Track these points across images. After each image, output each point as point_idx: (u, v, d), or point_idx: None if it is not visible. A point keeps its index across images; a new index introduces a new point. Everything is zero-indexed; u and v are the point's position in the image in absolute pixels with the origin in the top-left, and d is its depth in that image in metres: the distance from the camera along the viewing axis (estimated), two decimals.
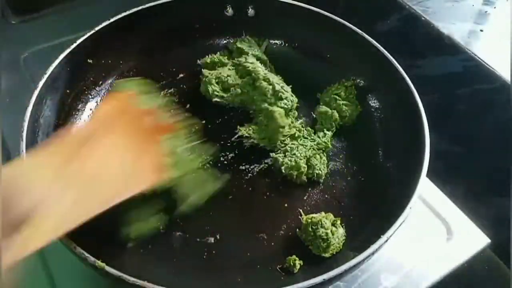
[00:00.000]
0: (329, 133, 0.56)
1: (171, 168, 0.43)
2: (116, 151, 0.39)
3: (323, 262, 0.45)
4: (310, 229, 0.46)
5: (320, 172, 0.52)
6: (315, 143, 0.55)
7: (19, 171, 0.31)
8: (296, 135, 0.55)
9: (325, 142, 0.55)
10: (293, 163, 0.52)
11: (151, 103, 0.45)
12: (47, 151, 0.35)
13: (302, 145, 0.54)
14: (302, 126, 0.57)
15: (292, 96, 0.57)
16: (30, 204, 0.24)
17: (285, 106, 0.55)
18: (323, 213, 0.48)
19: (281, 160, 0.53)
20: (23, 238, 0.26)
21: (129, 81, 0.51)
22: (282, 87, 0.56)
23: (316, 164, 0.53)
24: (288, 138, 0.55)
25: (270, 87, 0.55)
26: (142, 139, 0.42)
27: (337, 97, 0.59)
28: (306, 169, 0.52)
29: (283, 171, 0.52)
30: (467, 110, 0.62)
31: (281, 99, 0.55)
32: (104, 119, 0.41)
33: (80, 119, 0.56)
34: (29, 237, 0.27)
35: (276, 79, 0.57)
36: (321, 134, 0.56)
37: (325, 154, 0.55)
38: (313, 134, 0.56)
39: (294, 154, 0.53)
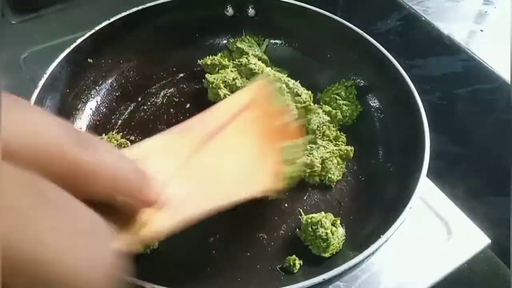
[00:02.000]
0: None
1: (286, 178, 0.41)
2: (241, 151, 0.38)
3: (323, 262, 0.45)
4: (310, 229, 0.46)
5: (332, 176, 0.52)
6: (338, 148, 0.54)
7: (146, 154, 0.29)
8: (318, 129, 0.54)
9: (347, 151, 0.54)
10: (308, 161, 0.52)
11: (283, 104, 0.43)
12: (177, 137, 0.34)
13: (323, 146, 0.54)
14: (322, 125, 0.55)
15: (305, 90, 0.56)
16: (162, 186, 0.22)
17: (304, 101, 0.54)
18: (323, 213, 0.47)
19: None
20: (139, 226, 0.24)
21: (271, 76, 0.51)
22: (293, 83, 0.56)
23: (331, 168, 0.52)
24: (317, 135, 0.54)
25: (284, 85, 0.54)
26: (267, 141, 0.40)
27: (337, 97, 0.59)
28: (320, 169, 0.52)
29: None
30: (467, 110, 0.62)
31: (298, 95, 0.54)
32: (237, 114, 0.39)
33: (80, 119, 0.56)
34: (145, 226, 0.25)
35: (284, 77, 0.57)
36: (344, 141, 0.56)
37: (344, 162, 0.54)
38: (339, 140, 0.55)
39: (312, 153, 0.53)
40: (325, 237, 0.44)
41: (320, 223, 0.45)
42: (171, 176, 0.29)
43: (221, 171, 0.35)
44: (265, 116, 0.40)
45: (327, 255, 0.45)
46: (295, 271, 0.45)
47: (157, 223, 0.26)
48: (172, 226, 0.27)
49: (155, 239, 0.27)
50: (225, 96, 0.57)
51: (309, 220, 0.46)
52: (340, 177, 0.53)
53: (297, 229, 0.48)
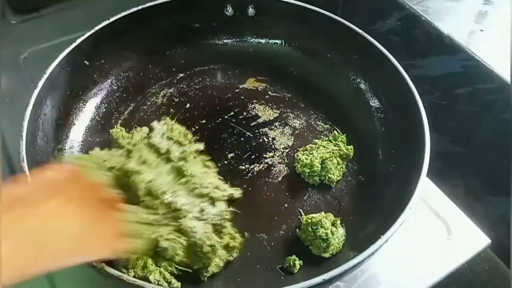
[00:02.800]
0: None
1: (132, 239, 0.39)
2: (61, 216, 0.35)
3: (323, 262, 0.45)
4: (310, 229, 0.46)
5: (332, 176, 0.52)
6: (338, 148, 0.54)
7: None
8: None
9: (347, 150, 0.54)
10: (308, 161, 0.52)
11: (103, 178, 0.41)
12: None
13: (323, 146, 0.54)
14: None
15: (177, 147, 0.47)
16: None
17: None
18: (323, 213, 0.47)
19: (299, 156, 0.53)
20: None
21: (80, 157, 0.49)
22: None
23: (330, 168, 0.52)
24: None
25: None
26: (94, 208, 0.38)
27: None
28: (319, 169, 0.52)
29: (298, 169, 0.53)
30: (467, 110, 0.62)
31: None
32: (46, 184, 0.37)
33: (81, 118, 0.56)
34: None
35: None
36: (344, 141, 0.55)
37: (344, 162, 0.54)
38: (338, 140, 0.55)
39: (312, 153, 0.53)
40: (325, 237, 0.45)
41: (320, 223, 0.45)
42: None
43: (43, 233, 0.33)
44: (86, 189, 0.39)
45: (327, 255, 0.45)
46: (295, 271, 0.45)
47: None
48: None
49: None
50: None
51: (309, 221, 0.46)
52: (340, 177, 0.53)
53: (297, 229, 0.48)
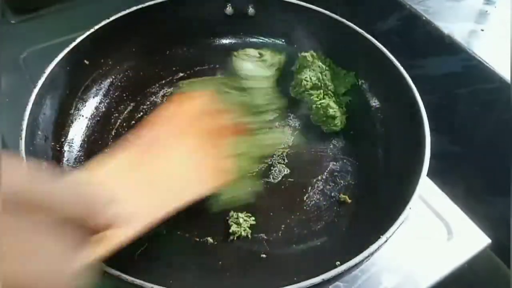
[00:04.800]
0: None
1: (230, 172, 0.42)
2: (181, 155, 0.39)
3: (322, 262, 0.45)
4: (321, 112, 0.56)
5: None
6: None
7: (95, 178, 0.33)
8: None
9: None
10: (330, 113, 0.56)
11: (215, 104, 0.44)
12: (117, 156, 0.36)
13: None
14: None
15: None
16: (109, 208, 0.25)
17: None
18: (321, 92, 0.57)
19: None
20: (102, 239, 0.27)
21: (194, 82, 0.51)
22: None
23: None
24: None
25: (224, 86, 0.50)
26: (205, 141, 0.41)
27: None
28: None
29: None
30: (467, 110, 0.62)
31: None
32: (169, 122, 0.41)
33: (80, 118, 0.56)
34: (108, 238, 0.28)
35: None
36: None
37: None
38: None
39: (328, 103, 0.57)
40: (333, 114, 0.56)
41: (329, 105, 0.56)
42: (123, 192, 0.32)
43: (167, 178, 0.37)
44: (199, 120, 0.42)
45: (337, 128, 0.57)
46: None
47: (111, 239, 0.28)
48: (126, 238, 0.31)
49: (110, 252, 0.30)
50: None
51: (320, 105, 0.56)
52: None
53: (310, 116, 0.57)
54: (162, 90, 0.62)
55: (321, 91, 0.58)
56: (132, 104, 0.60)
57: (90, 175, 0.33)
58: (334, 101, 0.58)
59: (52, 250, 0.19)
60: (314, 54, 0.61)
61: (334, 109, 0.56)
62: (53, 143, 0.52)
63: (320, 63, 0.60)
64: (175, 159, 0.39)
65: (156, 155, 0.38)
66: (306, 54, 0.60)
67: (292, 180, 0.53)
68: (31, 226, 0.19)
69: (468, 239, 0.52)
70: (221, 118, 0.43)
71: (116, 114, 0.58)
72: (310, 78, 0.59)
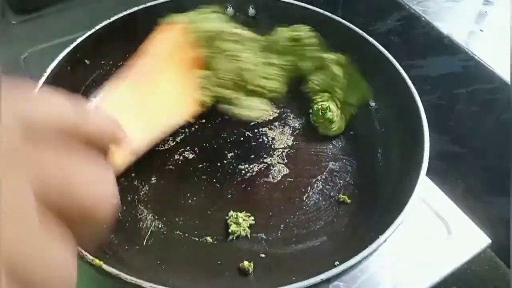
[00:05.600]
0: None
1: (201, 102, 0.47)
2: (170, 84, 0.45)
3: (321, 262, 0.45)
4: (320, 113, 0.56)
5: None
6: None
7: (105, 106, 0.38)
8: None
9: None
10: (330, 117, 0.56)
11: (200, 32, 0.49)
12: (118, 86, 0.42)
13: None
14: None
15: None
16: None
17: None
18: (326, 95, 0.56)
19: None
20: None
21: (180, 15, 0.53)
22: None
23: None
24: None
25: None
26: (187, 70, 0.47)
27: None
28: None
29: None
30: (467, 110, 0.62)
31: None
32: (159, 54, 0.46)
33: None
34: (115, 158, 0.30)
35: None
36: None
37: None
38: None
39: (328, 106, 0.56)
40: (331, 118, 0.56)
41: (328, 108, 0.56)
42: (125, 118, 0.35)
43: (160, 105, 0.43)
44: (184, 51, 0.47)
45: (332, 133, 0.57)
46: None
47: (118, 159, 0.33)
48: (127, 159, 0.35)
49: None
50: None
51: (319, 107, 0.56)
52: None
53: (310, 114, 0.58)
54: None
55: (327, 95, 0.58)
56: None
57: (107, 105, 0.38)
58: (336, 106, 0.57)
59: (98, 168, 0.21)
60: (336, 57, 0.58)
61: (332, 113, 0.56)
62: None
63: (337, 69, 0.57)
64: (162, 86, 0.44)
65: (147, 83, 0.43)
66: (328, 55, 0.58)
67: (291, 180, 0.53)
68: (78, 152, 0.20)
69: (468, 239, 0.52)
70: (196, 51, 0.48)
71: None
72: (319, 81, 0.58)
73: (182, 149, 0.55)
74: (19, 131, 0.17)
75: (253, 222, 0.48)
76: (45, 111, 0.19)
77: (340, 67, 0.57)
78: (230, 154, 0.55)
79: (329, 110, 0.56)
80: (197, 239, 0.47)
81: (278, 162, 0.54)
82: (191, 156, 0.54)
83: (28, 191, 0.16)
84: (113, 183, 0.21)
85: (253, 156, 0.55)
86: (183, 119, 0.46)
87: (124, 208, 0.49)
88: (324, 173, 0.54)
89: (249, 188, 0.52)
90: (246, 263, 0.45)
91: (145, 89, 0.43)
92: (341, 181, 0.53)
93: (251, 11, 0.66)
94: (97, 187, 0.20)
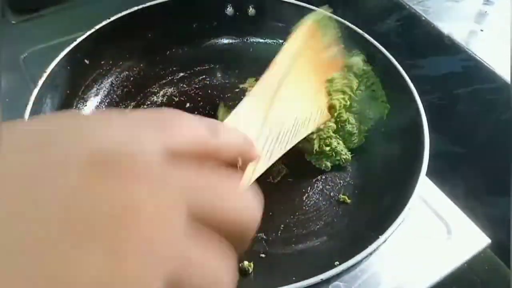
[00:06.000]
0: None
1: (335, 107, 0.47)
2: (302, 90, 0.44)
3: (321, 262, 0.45)
4: (339, 126, 0.53)
5: (345, 156, 0.53)
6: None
7: (238, 120, 0.37)
8: None
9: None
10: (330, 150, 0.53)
11: (330, 37, 0.48)
12: (255, 95, 0.40)
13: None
14: None
15: None
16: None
17: None
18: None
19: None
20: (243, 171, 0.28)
21: (313, 15, 0.53)
22: None
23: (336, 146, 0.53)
24: None
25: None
26: (318, 75, 0.46)
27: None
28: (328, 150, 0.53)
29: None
30: (467, 110, 0.62)
31: None
32: (295, 57, 0.44)
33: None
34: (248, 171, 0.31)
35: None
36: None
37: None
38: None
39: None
40: (352, 130, 0.54)
41: (348, 120, 0.54)
42: (258, 133, 0.36)
43: (293, 112, 0.41)
44: (317, 53, 0.46)
45: (355, 146, 0.55)
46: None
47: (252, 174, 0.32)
48: (259, 172, 0.34)
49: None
50: None
51: (338, 119, 0.53)
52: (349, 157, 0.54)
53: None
54: (162, 90, 0.62)
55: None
56: (132, 103, 0.60)
57: (236, 121, 0.36)
58: (355, 118, 0.55)
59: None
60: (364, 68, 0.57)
61: (352, 125, 0.54)
62: None
63: (355, 84, 0.55)
64: (298, 95, 0.43)
65: (286, 93, 0.41)
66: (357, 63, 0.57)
67: (291, 180, 0.53)
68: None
69: (468, 239, 0.51)
70: (330, 52, 0.48)
71: None
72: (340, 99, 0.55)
73: None
74: (164, 158, 0.18)
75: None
76: (183, 136, 0.20)
77: (362, 78, 0.57)
78: None
79: (349, 123, 0.54)
80: None
81: (278, 162, 0.54)
82: None
83: (181, 209, 0.17)
84: (253, 196, 0.22)
85: None
86: (314, 127, 0.44)
87: None
88: (324, 173, 0.54)
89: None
90: (246, 263, 0.45)
91: (280, 96, 0.41)
92: (341, 181, 0.53)
93: (251, 11, 0.66)
94: (238, 200, 0.20)
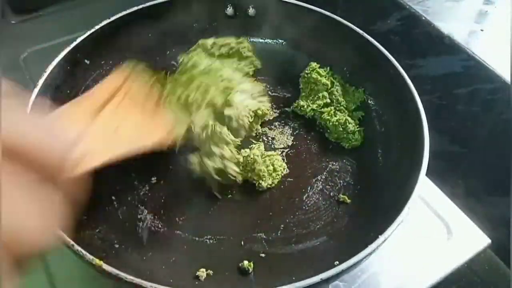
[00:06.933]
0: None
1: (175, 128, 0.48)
2: (131, 111, 0.45)
3: (321, 262, 0.45)
4: (340, 128, 0.56)
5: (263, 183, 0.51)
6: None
7: (59, 118, 0.37)
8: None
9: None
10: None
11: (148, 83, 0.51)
12: (75, 106, 0.41)
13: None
14: None
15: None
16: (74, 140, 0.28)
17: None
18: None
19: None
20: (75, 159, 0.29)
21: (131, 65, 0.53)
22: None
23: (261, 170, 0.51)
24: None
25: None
26: (150, 105, 0.48)
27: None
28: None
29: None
30: (467, 110, 0.62)
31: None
32: (115, 87, 0.47)
33: None
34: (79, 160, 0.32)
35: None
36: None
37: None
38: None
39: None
40: (353, 129, 0.55)
41: (347, 121, 0.55)
42: (81, 134, 0.37)
43: (122, 126, 0.42)
44: (142, 89, 0.49)
45: (358, 143, 0.56)
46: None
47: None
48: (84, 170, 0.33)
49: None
50: None
51: (336, 122, 0.56)
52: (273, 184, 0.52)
53: (326, 133, 0.56)
54: None
55: (332, 107, 0.58)
56: None
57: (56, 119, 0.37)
58: (349, 116, 0.57)
59: (37, 204, 0.21)
60: (321, 71, 0.60)
61: (352, 125, 0.56)
62: None
63: (326, 80, 0.59)
64: (126, 114, 0.45)
65: (109, 110, 0.43)
66: (311, 73, 0.59)
67: (291, 180, 0.53)
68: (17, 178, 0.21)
69: (468, 239, 0.52)
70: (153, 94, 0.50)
71: None
72: (322, 97, 0.58)
73: (182, 149, 0.55)
74: None
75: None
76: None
77: (326, 78, 0.59)
78: None
79: (348, 123, 0.55)
80: (197, 239, 0.47)
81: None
82: (191, 156, 0.54)
83: None
84: (47, 214, 0.21)
85: None
86: (149, 144, 0.44)
87: (124, 208, 0.49)
88: (324, 173, 0.54)
89: (249, 188, 0.52)
90: (246, 263, 0.45)
91: (106, 113, 0.43)
92: (341, 181, 0.53)
93: (251, 11, 0.66)
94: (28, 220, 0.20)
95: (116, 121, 0.43)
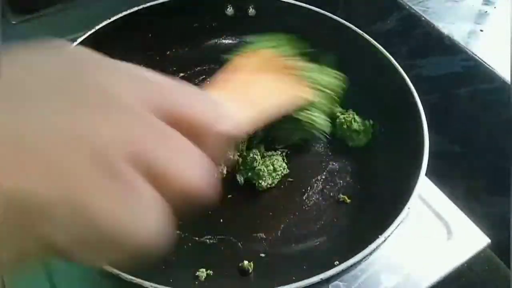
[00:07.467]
0: None
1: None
2: (266, 81, 0.46)
3: (321, 262, 0.45)
4: (345, 126, 0.55)
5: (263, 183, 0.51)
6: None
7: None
8: None
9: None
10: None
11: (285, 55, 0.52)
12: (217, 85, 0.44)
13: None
14: None
15: None
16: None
17: None
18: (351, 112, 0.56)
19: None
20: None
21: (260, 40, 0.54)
22: None
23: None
24: None
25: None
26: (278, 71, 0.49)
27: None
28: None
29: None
30: (467, 110, 0.62)
31: None
32: (250, 70, 0.48)
33: None
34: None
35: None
36: None
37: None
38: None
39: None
40: (357, 129, 0.55)
41: (354, 119, 0.55)
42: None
43: (256, 93, 0.43)
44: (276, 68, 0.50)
45: (362, 143, 0.55)
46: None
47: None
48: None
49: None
50: None
51: (343, 120, 0.56)
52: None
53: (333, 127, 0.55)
54: None
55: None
56: None
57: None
58: (358, 115, 0.57)
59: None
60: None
61: (358, 123, 0.55)
62: None
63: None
64: (262, 83, 0.46)
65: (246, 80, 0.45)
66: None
67: (291, 180, 0.53)
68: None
69: (468, 239, 0.52)
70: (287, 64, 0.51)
71: None
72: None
73: None
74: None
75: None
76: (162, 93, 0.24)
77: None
78: None
79: (355, 121, 0.55)
80: (197, 239, 0.47)
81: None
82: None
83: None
84: (204, 168, 0.24)
85: None
86: (285, 106, 0.45)
87: None
88: (324, 173, 0.54)
89: (249, 188, 0.52)
90: (246, 263, 0.45)
91: (246, 82, 0.45)
92: (341, 181, 0.53)
93: (251, 11, 0.66)
94: (188, 170, 0.23)
95: (246, 87, 0.44)
